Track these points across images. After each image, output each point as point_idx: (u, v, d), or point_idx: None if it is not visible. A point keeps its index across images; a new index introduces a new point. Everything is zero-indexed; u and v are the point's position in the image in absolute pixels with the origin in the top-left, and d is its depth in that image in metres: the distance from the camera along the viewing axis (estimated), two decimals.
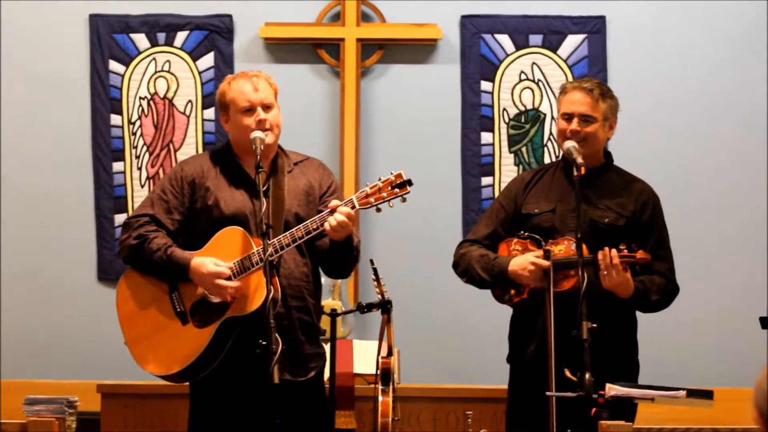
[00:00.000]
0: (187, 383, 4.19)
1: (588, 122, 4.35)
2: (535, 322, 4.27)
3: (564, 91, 4.45)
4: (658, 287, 4.33)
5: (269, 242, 3.89)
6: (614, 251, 4.15)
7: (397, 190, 3.99)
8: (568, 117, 4.36)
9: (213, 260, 4.05)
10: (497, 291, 4.41)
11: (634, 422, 3.95)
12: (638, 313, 4.42)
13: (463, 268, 4.46)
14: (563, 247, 4.24)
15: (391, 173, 4.01)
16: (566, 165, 4.45)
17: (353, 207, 4.00)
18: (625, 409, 3.99)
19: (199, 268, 4.04)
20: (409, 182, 4.00)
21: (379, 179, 4.02)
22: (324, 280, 5.23)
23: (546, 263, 4.18)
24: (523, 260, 4.27)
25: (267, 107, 4.17)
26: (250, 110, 4.16)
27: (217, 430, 4.10)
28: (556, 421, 3.97)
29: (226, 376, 4.05)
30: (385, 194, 4.00)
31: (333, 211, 3.99)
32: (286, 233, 4.02)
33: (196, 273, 4.05)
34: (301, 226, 4.03)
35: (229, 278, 4.02)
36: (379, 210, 4.05)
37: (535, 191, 4.47)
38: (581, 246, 4.04)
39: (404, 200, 4.02)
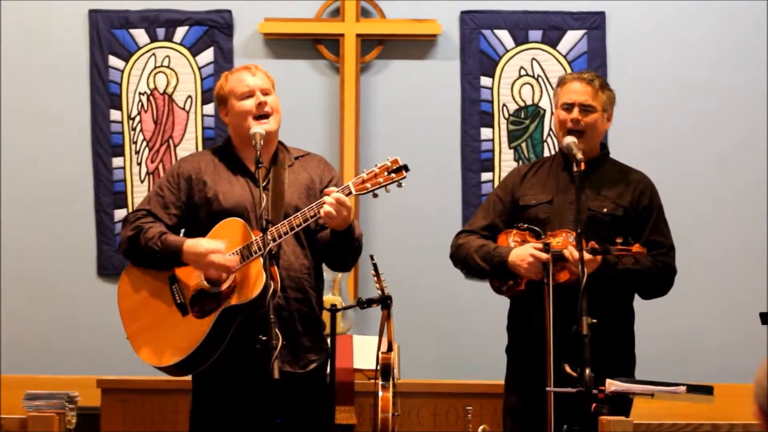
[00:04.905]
0: (189, 378, 4.19)
1: (588, 112, 4.36)
2: (531, 316, 4.27)
3: (563, 82, 4.44)
4: (648, 265, 4.29)
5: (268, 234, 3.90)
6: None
7: (393, 175, 3.99)
8: (568, 107, 4.36)
9: (207, 240, 4.06)
10: (495, 282, 4.41)
11: (629, 416, 3.95)
12: (637, 308, 4.43)
13: (461, 258, 4.46)
14: (561, 240, 4.24)
15: (387, 159, 4.02)
16: (564, 158, 4.45)
17: (350, 193, 4.01)
18: (621, 403, 3.98)
19: (193, 248, 4.05)
20: (405, 167, 3.99)
21: (376, 165, 4.03)
22: (324, 274, 5.23)
23: (545, 256, 4.18)
24: (523, 252, 4.26)
25: (265, 93, 4.20)
26: (249, 95, 4.19)
27: (219, 425, 4.10)
28: (554, 417, 3.97)
29: (229, 370, 4.05)
30: (381, 179, 4.00)
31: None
32: (284, 222, 4.02)
33: (190, 253, 4.05)
34: (298, 213, 4.04)
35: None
36: (375, 195, 4.05)
37: (532, 183, 4.47)
38: (581, 241, 4.03)
39: (400, 185, 4.01)
